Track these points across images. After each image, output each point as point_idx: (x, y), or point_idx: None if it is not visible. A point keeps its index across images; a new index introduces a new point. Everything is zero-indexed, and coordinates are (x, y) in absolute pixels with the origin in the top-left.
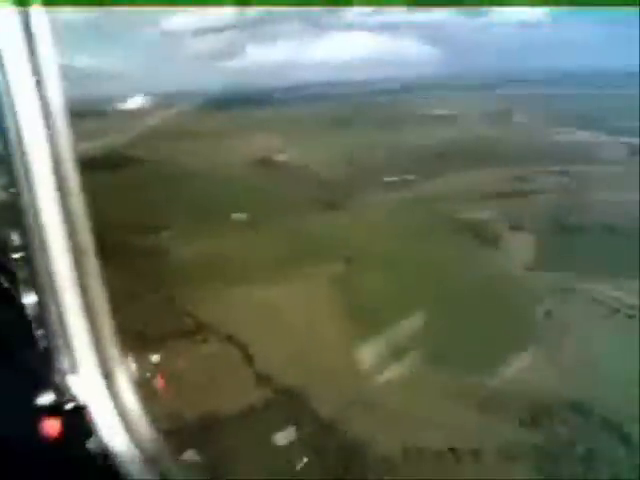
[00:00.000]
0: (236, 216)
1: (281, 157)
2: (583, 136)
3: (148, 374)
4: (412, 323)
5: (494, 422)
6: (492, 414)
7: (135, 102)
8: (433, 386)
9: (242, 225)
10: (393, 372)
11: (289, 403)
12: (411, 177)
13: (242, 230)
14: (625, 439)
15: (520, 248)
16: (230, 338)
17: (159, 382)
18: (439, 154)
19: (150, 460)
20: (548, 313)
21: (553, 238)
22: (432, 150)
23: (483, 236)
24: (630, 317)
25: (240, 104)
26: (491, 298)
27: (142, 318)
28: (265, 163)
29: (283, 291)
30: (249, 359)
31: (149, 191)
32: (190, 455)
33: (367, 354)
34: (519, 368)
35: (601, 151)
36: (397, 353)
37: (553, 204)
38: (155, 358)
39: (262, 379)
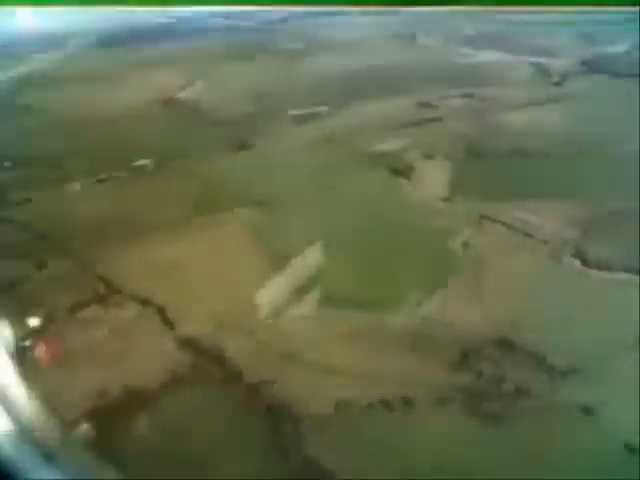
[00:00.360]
0: (140, 163)
1: (183, 95)
2: (487, 57)
3: (29, 342)
4: (318, 261)
5: (423, 366)
6: (420, 358)
7: (18, 42)
8: (351, 330)
9: (147, 173)
10: (303, 317)
11: (212, 367)
12: (320, 109)
13: (147, 178)
14: (549, 370)
15: (433, 177)
16: (147, 302)
17: (43, 351)
18: (346, 83)
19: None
20: (465, 244)
21: (465, 165)
22: (339, 79)
23: (396, 168)
24: (545, 242)
25: (134, 40)
26: (406, 231)
27: (48, 285)
28: (167, 103)
29: (196, 243)
30: (168, 323)
31: (42, 142)
32: (85, 429)
33: (272, 298)
34: (441, 306)
35: (507, 72)
36: (302, 294)
37: (463, 130)
38: (37, 323)
39: (184, 344)
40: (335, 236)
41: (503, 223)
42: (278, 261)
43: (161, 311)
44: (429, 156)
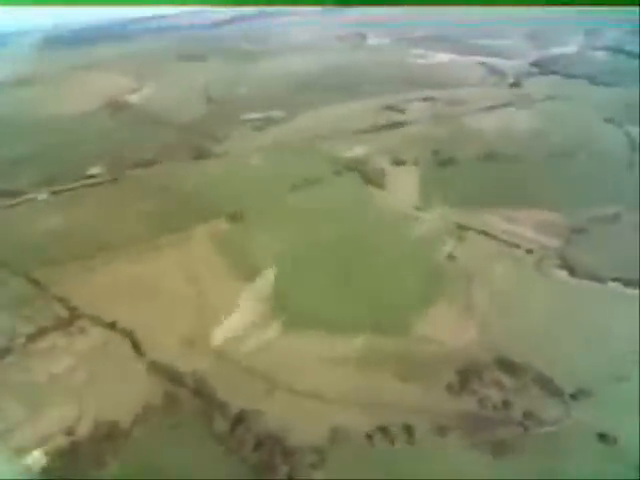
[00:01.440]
0: (93, 171)
1: (133, 98)
2: (440, 58)
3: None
4: (293, 279)
5: (420, 391)
6: (416, 382)
7: None
8: (339, 355)
9: (104, 184)
10: (286, 342)
11: (190, 396)
12: (278, 113)
13: (105, 190)
14: (559, 394)
15: (405, 185)
16: (113, 326)
17: None
18: (302, 86)
19: None
20: (450, 257)
21: (435, 171)
22: (293, 82)
23: (367, 175)
24: (528, 252)
25: (81, 41)
26: (386, 245)
27: (1, 310)
28: (117, 106)
29: (162, 261)
30: (138, 349)
31: None
32: (36, 457)
33: (246, 321)
34: (433, 325)
35: (462, 73)
36: (279, 316)
37: (430, 134)
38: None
39: (156, 371)
40: (311, 250)
41: (484, 233)
42: (250, 279)
43: (129, 335)
44: (398, 162)
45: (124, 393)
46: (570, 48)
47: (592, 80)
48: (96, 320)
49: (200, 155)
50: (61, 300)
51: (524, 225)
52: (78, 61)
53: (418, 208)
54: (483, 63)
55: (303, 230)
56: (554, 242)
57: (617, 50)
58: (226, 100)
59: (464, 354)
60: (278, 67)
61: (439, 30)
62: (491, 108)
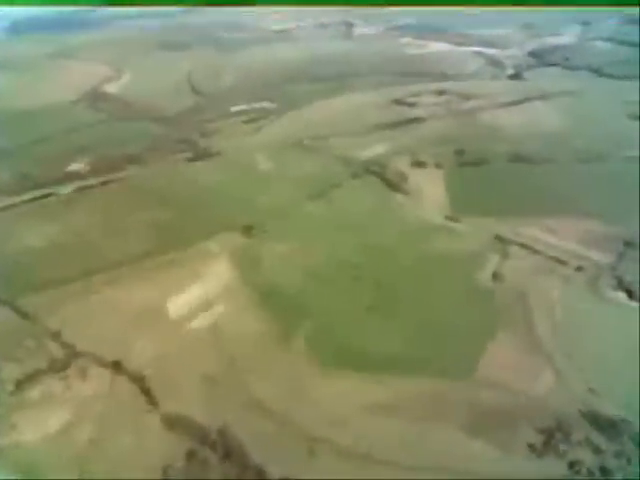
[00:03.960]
0: (74, 167)
1: (111, 88)
2: (435, 48)
3: None
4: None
5: (492, 450)
6: (486, 438)
7: None
8: (384, 401)
9: (92, 188)
10: (325, 388)
11: (220, 460)
12: (268, 105)
13: (97, 196)
14: None
15: (430, 190)
16: (118, 367)
17: None
18: (289, 76)
19: None
20: (496, 276)
21: (461, 174)
22: (280, 71)
23: (388, 179)
24: (578, 269)
25: (52, 27)
26: (420, 262)
27: None
28: (94, 96)
29: (171, 283)
30: (150, 397)
31: None
32: None
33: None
34: (498, 365)
35: (459, 64)
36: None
37: (447, 132)
38: None
39: (174, 426)
40: (339, 270)
41: (526, 246)
42: (273, 304)
43: (138, 378)
44: (419, 164)
45: (135, 455)
46: (567, 38)
47: (597, 72)
48: (97, 359)
49: (198, 155)
50: (54, 335)
51: (566, 237)
52: (49, 49)
53: (450, 218)
54: (478, 53)
55: (328, 245)
56: (604, 257)
57: (616, 40)
58: (212, 91)
59: (543, 404)
60: (262, 56)
61: (429, 19)
62: (509, 104)
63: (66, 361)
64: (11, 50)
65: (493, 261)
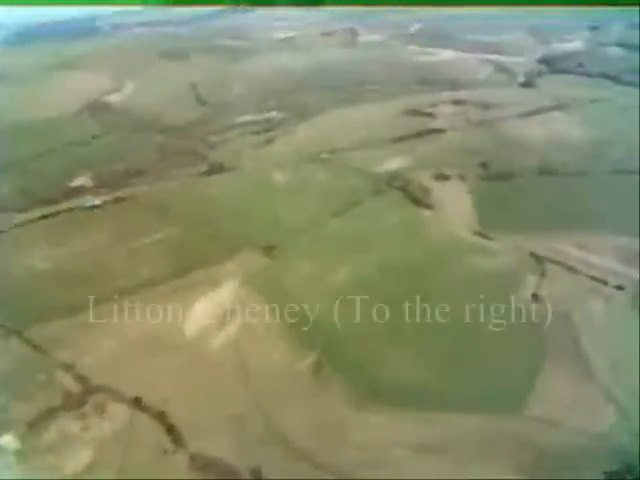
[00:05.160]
0: (77, 183)
1: (114, 99)
2: (443, 55)
3: None
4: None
5: None
6: None
7: None
8: (440, 441)
9: (103, 207)
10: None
11: None
12: (277, 115)
13: (105, 215)
14: None
15: (456, 205)
16: (139, 403)
17: None
18: (295, 85)
19: None
20: (536, 298)
21: (487, 188)
22: (285, 81)
23: (412, 194)
24: (619, 288)
25: (49, 38)
26: (453, 284)
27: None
28: (96, 108)
29: (191, 306)
30: (175, 435)
31: None
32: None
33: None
34: (551, 400)
35: (469, 72)
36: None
37: (469, 144)
38: None
39: (203, 469)
40: (370, 293)
41: (563, 264)
42: (301, 331)
43: (161, 416)
44: (442, 177)
45: None
46: (576, 44)
47: (615, 79)
48: (115, 394)
49: (212, 169)
50: (67, 368)
51: (602, 253)
52: (47, 60)
53: (480, 234)
54: (487, 60)
55: (354, 266)
56: None
57: (628, 46)
58: (217, 101)
59: (606, 443)
60: (267, 64)
61: (434, 25)
62: (529, 113)
63: (82, 397)
64: (9, 61)
65: (531, 281)
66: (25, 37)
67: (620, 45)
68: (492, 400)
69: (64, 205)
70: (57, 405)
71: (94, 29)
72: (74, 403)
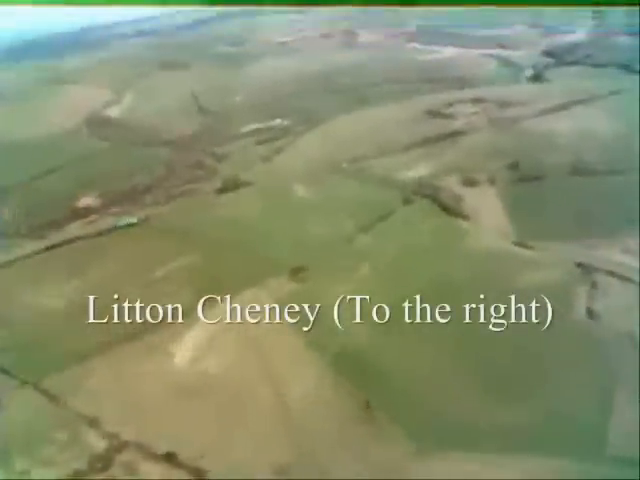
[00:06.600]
0: (84, 203)
1: (113, 112)
2: (446, 52)
3: None
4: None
5: None
6: None
7: None
8: None
9: (118, 233)
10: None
11: None
12: (284, 122)
13: (118, 241)
14: None
15: (489, 212)
16: (173, 458)
17: None
18: (299, 90)
19: None
20: (591, 312)
21: (519, 191)
22: (288, 86)
23: (443, 202)
24: None
25: (43, 52)
26: (503, 301)
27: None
28: (96, 122)
29: (220, 341)
30: None
31: None
32: None
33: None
34: (630, 434)
35: (475, 68)
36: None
37: (495, 144)
38: None
39: None
40: (409, 315)
41: (614, 274)
42: (340, 363)
43: (198, 473)
44: (470, 182)
45: None
46: (580, 34)
47: (627, 69)
48: (145, 451)
49: (226, 186)
50: (91, 423)
51: None
52: (43, 75)
53: (519, 244)
54: (490, 55)
55: (393, 285)
56: None
57: (634, 34)
58: (220, 110)
59: None
60: (269, 70)
61: (433, 22)
62: (551, 109)
63: (109, 457)
64: (3, 78)
65: (583, 294)
66: (18, 52)
67: (624, 34)
68: (569, 438)
69: (76, 227)
70: (83, 468)
71: (89, 41)
72: (100, 465)
